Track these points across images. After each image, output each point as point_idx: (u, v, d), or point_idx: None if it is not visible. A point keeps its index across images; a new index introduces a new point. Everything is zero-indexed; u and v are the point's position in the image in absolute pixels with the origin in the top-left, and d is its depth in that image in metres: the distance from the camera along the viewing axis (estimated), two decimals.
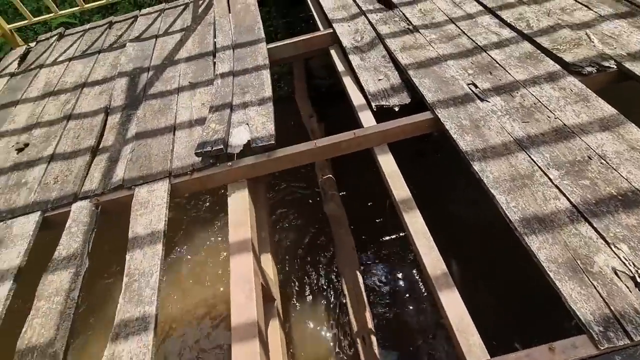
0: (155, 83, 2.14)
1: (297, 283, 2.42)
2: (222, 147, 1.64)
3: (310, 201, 2.90)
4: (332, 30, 2.31)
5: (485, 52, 1.87)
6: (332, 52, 2.28)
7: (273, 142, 1.66)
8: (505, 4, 2.14)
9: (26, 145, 1.94)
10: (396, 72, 1.95)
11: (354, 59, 2.07)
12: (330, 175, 2.62)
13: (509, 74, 1.73)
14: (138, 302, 1.34)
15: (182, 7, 2.77)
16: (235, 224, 1.54)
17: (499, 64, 1.79)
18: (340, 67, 2.15)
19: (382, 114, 1.78)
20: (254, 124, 1.75)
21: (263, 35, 2.31)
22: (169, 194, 1.63)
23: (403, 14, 2.27)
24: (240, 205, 1.60)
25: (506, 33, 1.95)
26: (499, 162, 1.41)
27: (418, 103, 1.74)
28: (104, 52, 2.50)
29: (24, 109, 2.20)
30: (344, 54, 2.17)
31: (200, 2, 2.74)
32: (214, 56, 2.25)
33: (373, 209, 2.66)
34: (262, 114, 1.79)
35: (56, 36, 2.81)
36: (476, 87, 1.71)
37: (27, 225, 1.61)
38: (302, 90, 3.68)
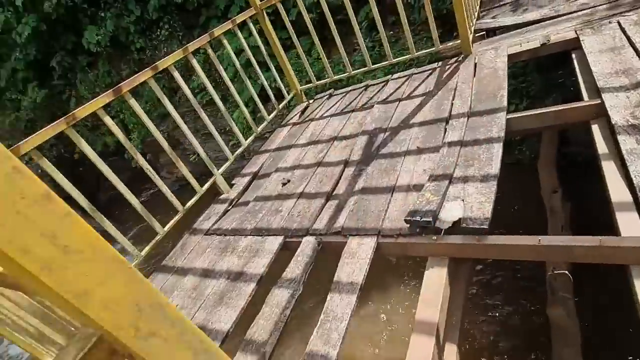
0: (388, 144, 2.39)
1: None
2: (430, 219, 1.64)
3: (530, 296, 2.36)
4: (599, 101, 1.91)
5: None
6: (594, 127, 1.88)
7: (486, 226, 1.53)
8: None
9: (288, 181, 2.56)
10: None
11: (626, 141, 1.63)
12: (566, 272, 2.09)
13: None
14: (326, 341, 1.51)
15: (429, 71, 2.97)
16: (425, 301, 1.51)
17: None
18: (602, 149, 1.74)
19: None
20: (470, 201, 1.67)
21: (505, 104, 2.16)
22: (374, 251, 1.77)
23: None
24: (435, 283, 1.56)
25: None
26: None
27: None
28: (356, 112, 3.00)
29: (294, 152, 2.91)
30: (611, 133, 1.75)
31: (447, 67, 2.86)
32: (447, 122, 2.28)
33: (630, 336, 1.90)
34: (482, 193, 1.68)
35: (327, 96, 3.59)
36: None
37: (274, 244, 2.12)
38: (548, 158, 3.17)
